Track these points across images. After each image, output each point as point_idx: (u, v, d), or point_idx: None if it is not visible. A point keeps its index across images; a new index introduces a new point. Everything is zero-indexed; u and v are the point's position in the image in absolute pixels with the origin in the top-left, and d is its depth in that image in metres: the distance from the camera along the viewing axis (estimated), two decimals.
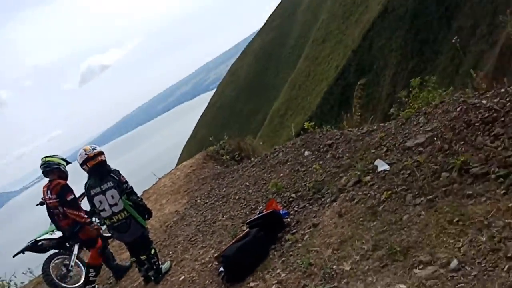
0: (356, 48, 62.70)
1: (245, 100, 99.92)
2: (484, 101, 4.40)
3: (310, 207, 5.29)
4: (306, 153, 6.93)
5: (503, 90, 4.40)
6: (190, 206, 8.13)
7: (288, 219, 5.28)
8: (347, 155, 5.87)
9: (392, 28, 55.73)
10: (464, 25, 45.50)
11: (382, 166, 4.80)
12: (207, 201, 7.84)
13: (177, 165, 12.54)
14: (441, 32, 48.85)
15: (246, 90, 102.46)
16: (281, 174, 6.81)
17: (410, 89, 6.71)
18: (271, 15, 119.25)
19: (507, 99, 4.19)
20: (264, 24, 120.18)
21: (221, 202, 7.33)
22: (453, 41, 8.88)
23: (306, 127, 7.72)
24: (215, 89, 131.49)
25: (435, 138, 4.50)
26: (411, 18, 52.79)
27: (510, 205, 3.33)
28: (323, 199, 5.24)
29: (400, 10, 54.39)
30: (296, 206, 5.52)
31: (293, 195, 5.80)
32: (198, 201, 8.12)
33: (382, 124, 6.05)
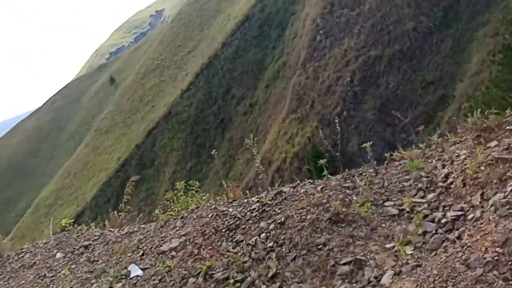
0: (139, 143, 64.00)
1: (5, 184, 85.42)
2: (230, 209, 4.92)
3: None
4: (58, 255, 6.14)
5: (245, 200, 5.05)
6: None
7: None
8: (103, 258, 5.45)
9: (175, 129, 59.94)
10: (235, 136, 52.92)
11: (135, 271, 4.62)
12: None
13: None
14: (216, 139, 55.27)
15: (9, 173, 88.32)
16: (23, 281, 5.75)
17: (176, 191, 7.00)
18: (53, 95, 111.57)
19: (248, 209, 4.80)
20: (44, 104, 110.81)
21: None
22: (212, 153, 9.94)
23: (64, 224, 6.98)
24: None
25: (187, 243, 4.68)
26: (192, 123, 58.26)
27: None
28: None
29: (183, 115, 59.57)
30: None
31: None
32: None
33: (143, 225, 6.00)
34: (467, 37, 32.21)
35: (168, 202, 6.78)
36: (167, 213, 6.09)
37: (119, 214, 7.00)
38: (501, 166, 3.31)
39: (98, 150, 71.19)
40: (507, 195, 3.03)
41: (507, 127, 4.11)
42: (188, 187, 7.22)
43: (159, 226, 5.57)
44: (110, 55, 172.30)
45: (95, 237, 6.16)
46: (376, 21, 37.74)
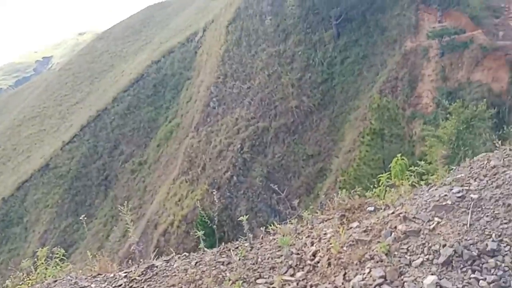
0: (7, 196, 56.42)
1: None
2: (93, 285, 4.41)
3: None
4: None
5: (112, 275, 4.59)
6: None
7: None
8: None
9: (51, 184, 54.32)
10: (119, 195, 49.75)
11: None
12: None
13: None
14: (98, 197, 51.26)
15: None
16: None
17: (36, 259, 6.13)
18: None
19: (113, 285, 4.35)
20: None
21: None
22: (80, 218, 9.07)
23: None
24: None
25: None
26: (72, 178, 53.52)
27: None
28: None
29: (63, 168, 54.59)
30: None
31: None
32: None
33: None
34: (341, 119, 36.36)
35: (22, 273, 5.88)
36: (19, 286, 5.24)
37: None
38: (360, 248, 3.56)
39: None
40: (365, 277, 3.22)
41: (368, 208, 4.51)
42: (51, 255, 6.40)
43: None
44: None
45: None
46: (264, 96, 40.83)
